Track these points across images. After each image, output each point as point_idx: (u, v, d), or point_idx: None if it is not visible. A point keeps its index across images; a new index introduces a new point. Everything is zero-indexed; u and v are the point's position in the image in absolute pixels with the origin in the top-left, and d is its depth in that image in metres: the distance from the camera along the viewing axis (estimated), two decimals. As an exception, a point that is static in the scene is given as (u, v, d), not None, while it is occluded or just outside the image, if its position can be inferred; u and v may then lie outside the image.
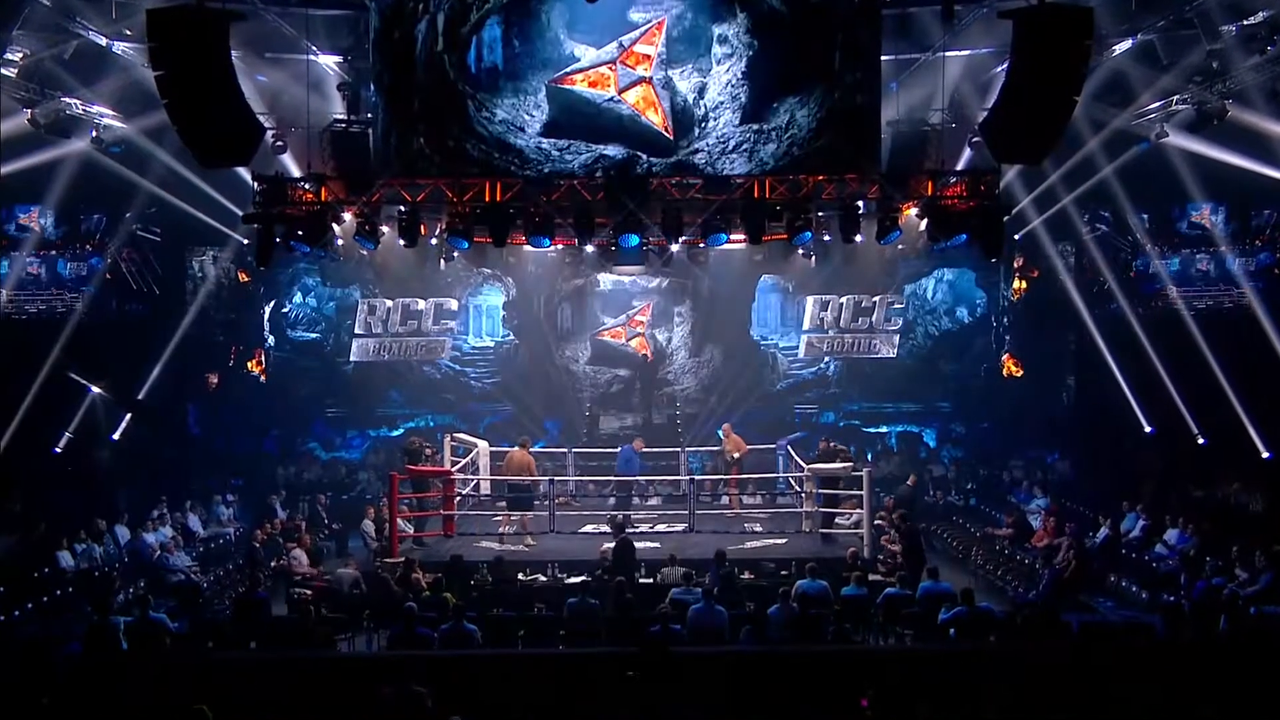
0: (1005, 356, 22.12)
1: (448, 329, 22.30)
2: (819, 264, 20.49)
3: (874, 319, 22.18)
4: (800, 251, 19.39)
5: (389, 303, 22.04)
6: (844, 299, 22.13)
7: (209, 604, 14.41)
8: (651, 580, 13.19)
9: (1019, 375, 21.98)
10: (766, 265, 21.28)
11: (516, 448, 16.52)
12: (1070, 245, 21.08)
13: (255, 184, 14.63)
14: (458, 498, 16.43)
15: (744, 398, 21.91)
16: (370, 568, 14.07)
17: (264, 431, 21.70)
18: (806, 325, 22.33)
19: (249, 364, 21.87)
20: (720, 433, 18.91)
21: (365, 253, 18.33)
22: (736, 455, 17.69)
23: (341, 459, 22.26)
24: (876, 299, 22.11)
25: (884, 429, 22.68)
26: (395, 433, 22.34)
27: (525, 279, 21.98)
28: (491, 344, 22.80)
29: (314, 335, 22.29)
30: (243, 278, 21.59)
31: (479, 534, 15.89)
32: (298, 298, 22.28)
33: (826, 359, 22.47)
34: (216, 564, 16.30)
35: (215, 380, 21.35)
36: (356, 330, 22.16)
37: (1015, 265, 21.63)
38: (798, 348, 22.61)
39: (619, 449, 17.91)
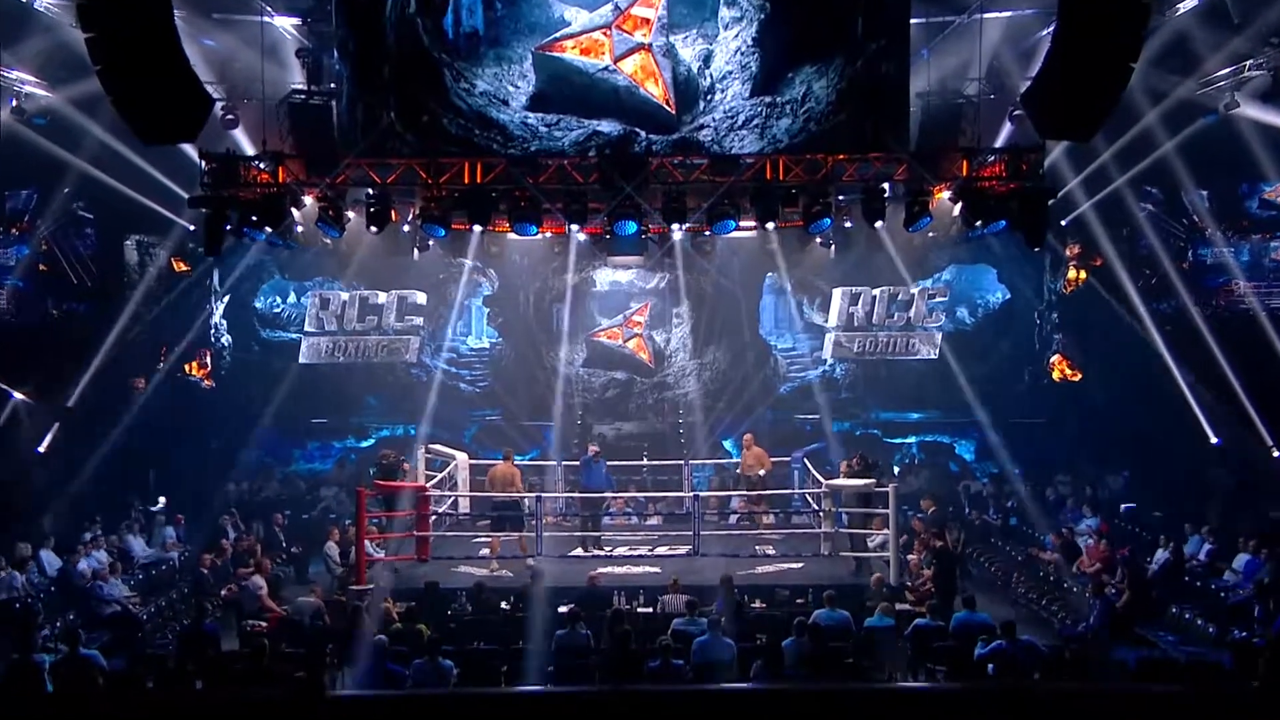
0: (1056, 358, 22.21)
1: (413, 326, 22.41)
2: (838, 255, 20.58)
3: (912, 314, 22.26)
4: (818, 241, 19.48)
5: (344, 295, 22.17)
6: (877, 291, 22.20)
7: (149, 638, 14.35)
8: (651, 609, 13.30)
9: (1075, 379, 22.04)
10: (779, 256, 21.24)
11: (500, 460, 16.60)
12: (1124, 232, 21.05)
13: (203, 163, 14.61)
14: (433, 517, 16.49)
15: (753, 404, 22.09)
16: (334, 596, 14.11)
17: (212, 442, 21.69)
18: (833, 321, 22.44)
19: (188, 366, 21.90)
20: (732, 444, 19.06)
21: (328, 241, 18.36)
22: (762, 473, 17.68)
23: (302, 473, 22.40)
24: (915, 291, 22.16)
25: (909, 440, 22.81)
26: (366, 443, 22.49)
27: (510, 272, 22.12)
28: (488, 345, 23.10)
29: (292, 335, 22.48)
30: (179, 267, 21.49)
31: (457, 558, 15.97)
32: (275, 296, 22.53)
33: (831, 361, 22.69)
34: (158, 593, 16.28)
35: (142, 385, 21.21)
36: (306, 327, 22.32)
37: (1069, 254, 21.67)
38: (795, 348, 22.84)
39: (578, 460, 17.93)
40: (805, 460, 18.52)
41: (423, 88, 14.54)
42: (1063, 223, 20.09)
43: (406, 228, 18.51)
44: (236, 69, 16.25)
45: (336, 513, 19.69)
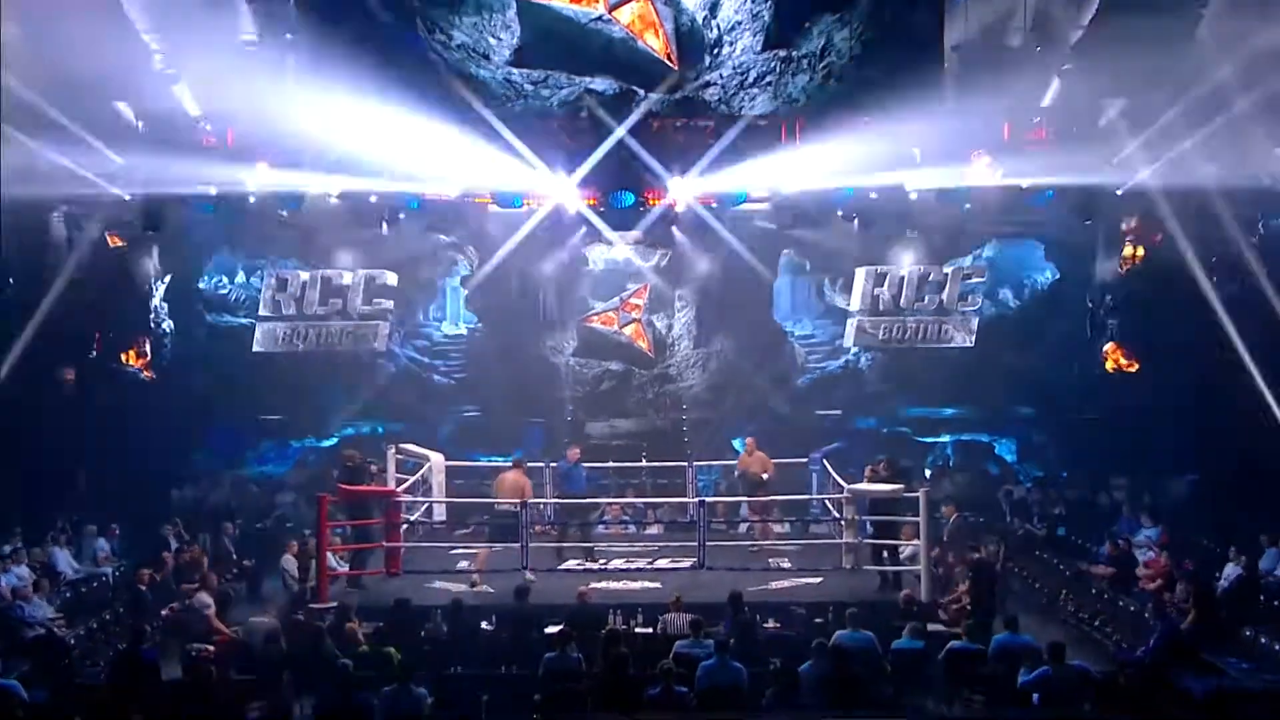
0: (1110, 346, 22.12)
1: (382, 310, 22.35)
2: (863, 230, 20.54)
3: (945, 297, 22.20)
4: (839, 213, 19.47)
5: (303, 275, 22.06)
6: (906, 271, 22.14)
7: (78, 666, 14.09)
8: (651, 630, 13.28)
9: (1132, 370, 21.98)
10: (795, 231, 21.42)
11: (510, 468, 16.64)
12: (1190, 202, 20.30)
13: (140, 124, 14.58)
14: (405, 526, 16.47)
15: (767, 398, 22.16)
16: (292, 616, 14.08)
17: (152, 442, 21.29)
18: (856, 305, 22.40)
19: (124, 355, 21.72)
20: (741, 443, 19.09)
21: (285, 214, 18.40)
22: (765, 476, 17.75)
23: (255, 476, 22.40)
24: (949, 270, 22.13)
25: (941, 438, 22.84)
26: (327, 442, 22.50)
27: (491, 249, 21.93)
28: (465, 331, 23.12)
29: (245, 320, 22.52)
30: (114, 242, 21.13)
31: (432, 572, 15.93)
32: (221, 277, 22.53)
33: (854, 349, 22.73)
34: (89, 614, 16.00)
35: (71, 376, 21.03)
36: (261, 311, 22.27)
37: (1126, 228, 21.49)
38: (814, 336, 22.87)
39: (556, 465, 17.92)
40: (825, 462, 18.48)
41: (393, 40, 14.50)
42: (1119, 192, 19.94)
43: (374, 198, 18.48)
44: (177, 18, 16.10)
45: (294, 521, 19.63)
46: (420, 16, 14.67)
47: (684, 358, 22.68)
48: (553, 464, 18.33)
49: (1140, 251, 21.60)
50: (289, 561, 16.26)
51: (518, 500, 15.78)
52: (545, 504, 17.31)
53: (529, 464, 17.32)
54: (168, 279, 21.90)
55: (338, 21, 15.39)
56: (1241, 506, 18.80)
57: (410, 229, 20.96)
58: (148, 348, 21.78)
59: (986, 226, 21.53)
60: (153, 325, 21.83)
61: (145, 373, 21.79)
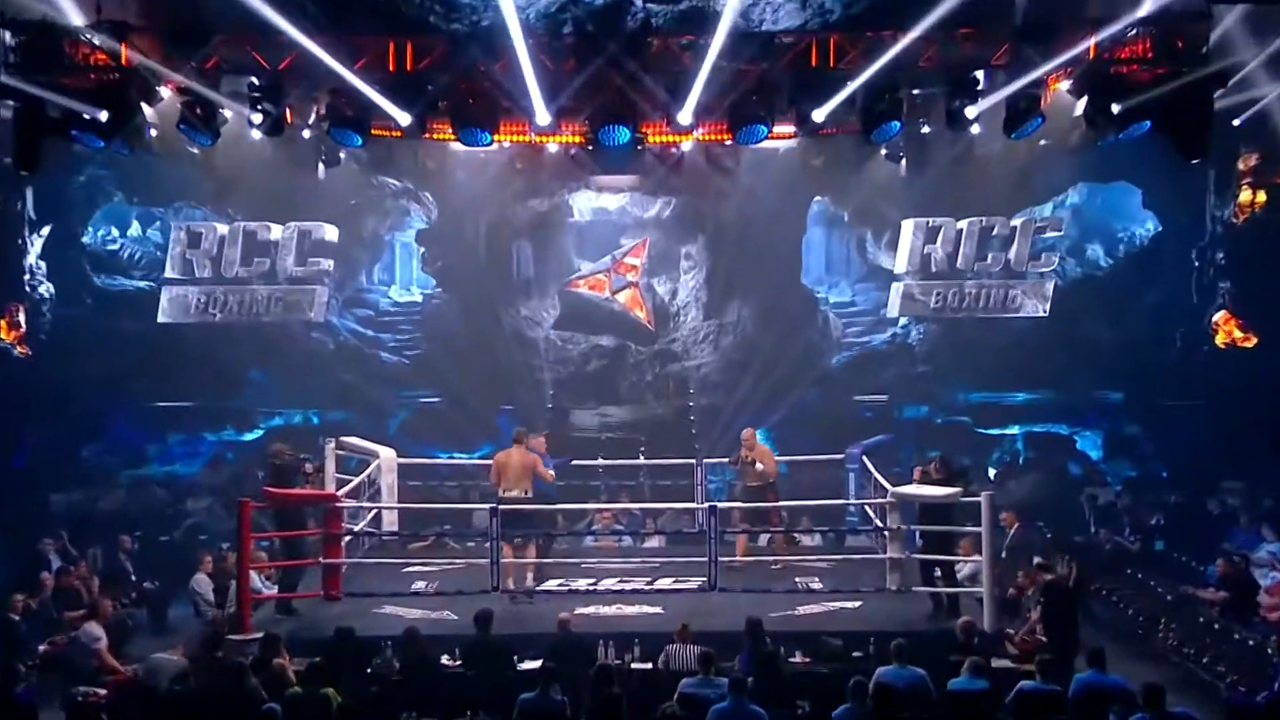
0: (1221, 315, 22.22)
1: (319, 272, 22.49)
2: (912, 173, 20.52)
3: (1014, 255, 22.33)
4: (883, 153, 19.61)
5: (221, 229, 22.18)
6: (965, 223, 22.24)
7: None
8: (650, 665, 13.34)
9: (1248, 345, 22.05)
10: (830, 175, 21.47)
11: (512, 444, 16.59)
12: None
13: (9, 35, 14.59)
14: (347, 538, 16.49)
15: (793, 381, 22.12)
16: (206, 651, 13.97)
17: (28, 434, 21.52)
18: (903, 266, 22.53)
19: (-6, 327, 21.81)
20: (764, 436, 19.22)
21: (196, 151, 18.48)
22: (759, 468, 17.37)
23: (160, 477, 22.44)
24: (1018, 223, 22.25)
25: (1010, 430, 22.99)
26: (251, 435, 22.65)
27: (453, 197, 22.15)
28: (421, 298, 23.33)
29: (143, 283, 22.66)
30: None
31: (381, 595, 15.95)
32: (110, 228, 22.61)
33: (903, 321, 22.94)
34: None
35: None
36: (168, 273, 22.40)
37: (1243, 167, 21.59)
38: (853, 303, 23.07)
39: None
40: (865, 459, 18.41)
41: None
42: (1235, 122, 19.91)
43: (307, 134, 18.51)
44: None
45: (209, 533, 19.73)
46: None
47: (691, 331, 22.83)
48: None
49: (1260, 197, 21.65)
50: (202, 582, 16.33)
51: (527, 486, 15.88)
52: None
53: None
54: (46, 231, 21.88)
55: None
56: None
57: (353, 172, 20.98)
58: (21, 317, 21.73)
59: (1067, 167, 21.58)
60: (28, 289, 21.78)
61: (19, 348, 21.75)
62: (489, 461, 19.11)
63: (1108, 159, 20.72)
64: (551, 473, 16.50)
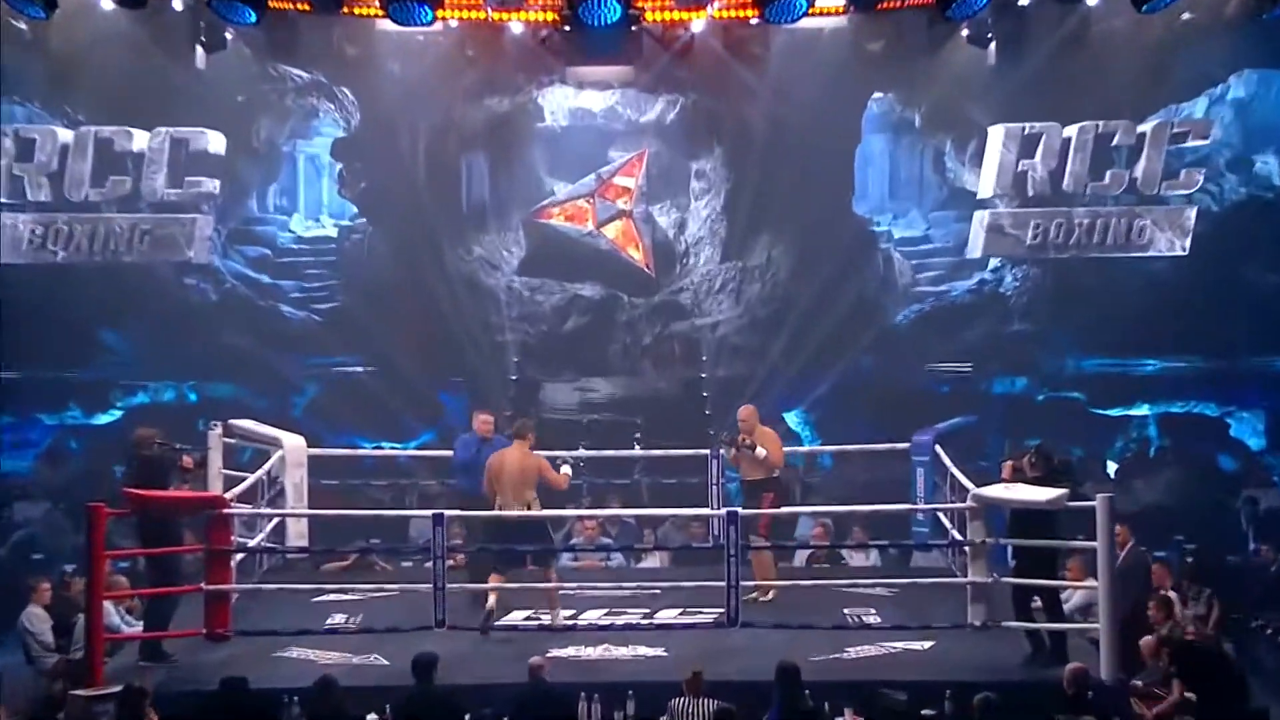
0: None
1: (198, 196, 22.26)
2: (1002, 62, 20.56)
3: (1142, 173, 22.00)
4: (965, 33, 19.60)
5: (63, 135, 21.87)
6: (1072, 130, 21.91)
7: None
8: (651, 722, 13.15)
9: None
10: (892, 65, 21.29)
11: (512, 441, 16.17)
12: None
13: None
14: (239, 555, 16.14)
15: (843, 344, 21.99)
16: (42, 712, 13.95)
17: None
18: (989, 189, 22.27)
19: None
20: (799, 418, 19.77)
21: (24, 26, 18.45)
22: (775, 469, 17.11)
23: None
24: (1149, 127, 21.91)
25: (1138, 410, 22.67)
26: (105, 418, 22.57)
27: (382, 95, 21.96)
28: (336, 232, 23.16)
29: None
30: None
31: (285, 632, 15.55)
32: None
33: (993, 263, 22.73)
34: None
35: None
36: (-9, 198, 22.11)
37: None
38: (926, 239, 23.01)
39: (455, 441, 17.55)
40: (939, 449, 18.12)
41: None
42: None
43: (180, 5, 18.60)
44: None
45: (46, 551, 19.69)
46: None
47: (705, 277, 22.80)
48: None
49: None
50: (36, 618, 15.94)
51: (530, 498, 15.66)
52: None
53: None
54: None
55: None
56: None
57: (244, 59, 20.91)
58: None
59: (1221, 49, 21.24)
60: None
61: None
62: (432, 453, 19.92)
63: (1274, 40, 20.57)
64: (563, 475, 16.15)
